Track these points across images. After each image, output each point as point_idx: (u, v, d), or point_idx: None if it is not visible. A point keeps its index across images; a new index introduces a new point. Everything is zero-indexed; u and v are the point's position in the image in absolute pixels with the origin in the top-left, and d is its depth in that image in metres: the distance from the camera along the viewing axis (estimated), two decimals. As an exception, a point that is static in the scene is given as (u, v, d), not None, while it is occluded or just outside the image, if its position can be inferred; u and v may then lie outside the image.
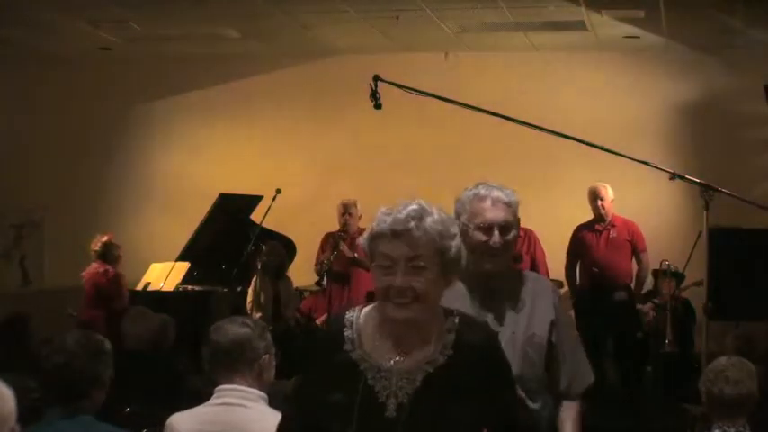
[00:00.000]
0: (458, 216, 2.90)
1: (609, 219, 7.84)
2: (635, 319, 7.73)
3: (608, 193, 7.84)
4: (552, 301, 3.02)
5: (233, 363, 3.08)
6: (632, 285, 7.93)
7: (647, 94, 9.43)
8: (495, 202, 2.92)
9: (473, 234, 2.89)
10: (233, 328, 3.13)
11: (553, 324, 2.98)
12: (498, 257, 2.93)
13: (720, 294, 5.48)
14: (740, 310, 5.85)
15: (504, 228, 2.92)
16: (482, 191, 2.94)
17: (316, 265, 8.25)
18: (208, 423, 3.05)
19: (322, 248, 8.25)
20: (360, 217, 8.17)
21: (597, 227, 7.86)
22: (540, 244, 8.07)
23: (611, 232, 7.80)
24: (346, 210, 8.13)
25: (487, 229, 2.90)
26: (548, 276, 8.04)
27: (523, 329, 2.93)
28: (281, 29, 9.04)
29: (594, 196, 7.85)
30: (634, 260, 7.95)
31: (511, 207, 2.94)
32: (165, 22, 8.83)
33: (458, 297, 2.71)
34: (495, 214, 2.91)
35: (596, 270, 7.88)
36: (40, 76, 10.47)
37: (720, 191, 5.12)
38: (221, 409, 3.07)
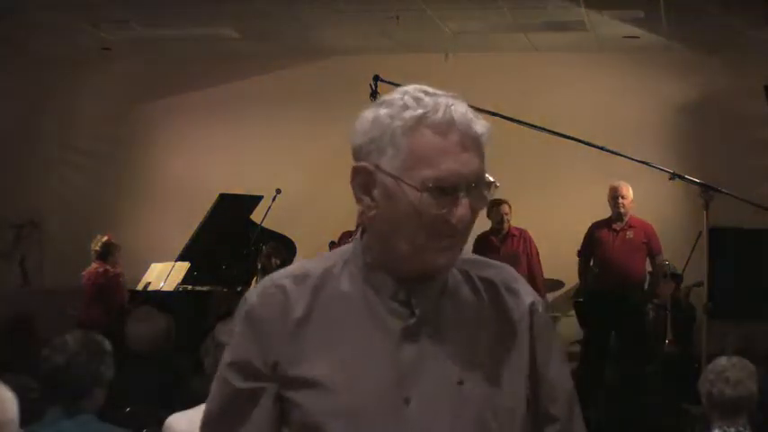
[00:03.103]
0: (365, 153, 1.54)
1: (627, 218, 7.81)
2: (641, 321, 7.72)
3: (629, 192, 7.81)
4: (526, 310, 1.66)
5: None
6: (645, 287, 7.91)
7: (647, 94, 9.43)
8: (465, 135, 1.50)
9: (415, 198, 1.48)
10: None
11: (534, 361, 1.64)
12: (457, 244, 1.55)
13: (720, 294, 5.48)
14: (740, 310, 5.85)
15: (478, 189, 1.52)
16: (441, 108, 1.50)
17: None
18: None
19: (334, 246, 8.25)
20: None
21: (615, 226, 7.83)
22: (534, 243, 8.07)
23: (627, 233, 7.76)
24: None
25: (449, 191, 1.49)
26: (542, 277, 8.05)
27: (483, 376, 1.57)
28: (281, 29, 9.04)
29: (615, 194, 7.81)
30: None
31: (483, 147, 1.54)
32: (165, 22, 8.84)
33: (349, 309, 1.58)
34: (467, 163, 1.50)
35: (596, 270, 7.87)
36: (40, 76, 10.47)
37: (720, 191, 5.12)
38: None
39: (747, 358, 3.82)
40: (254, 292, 1.61)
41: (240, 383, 1.57)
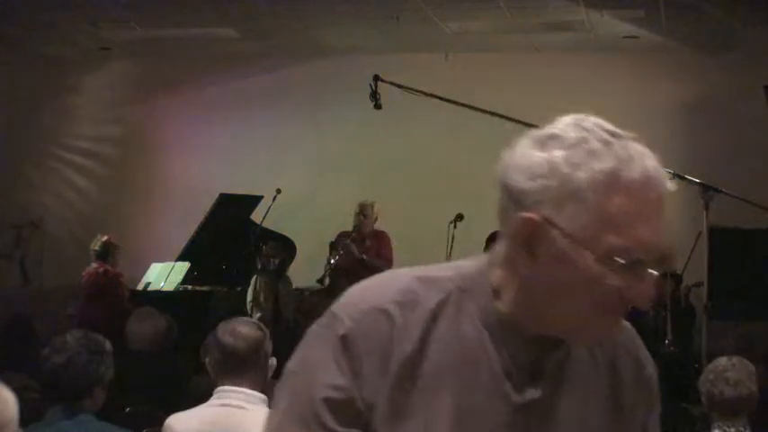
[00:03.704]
0: (532, 200, 1.25)
1: None
2: (631, 319, 7.73)
3: None
4: (647, 386, 1.43)
5: (246, 366, 3.04)
6: None
7: (647, 94, 9.43)
8: (659, 195, 1.30)
9: (593, 268, 1.24)
10: (246, 331, 3.07)
11: None
12: (623, 320, 1.36)
13: (720, 294, 5.49)
14: (740, 310, 5.86)
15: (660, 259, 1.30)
16: (636, 161, 1.26)
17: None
18: (207, 424, 3.04)
19: (333, 247, 8.22)
20: (375, 219, 8.15)
21: None
22: None
23: None
24: (361, 210, 8.10)
25: (635, 263, 1.25)
26: None
27: None
28: (281, 29, 9.04)
29: None
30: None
31: None
32: (165, 22, 8.84)
33: (463, 361, 1.30)
34: (659, 231, 1.30)
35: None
36: (41, 76, 10.47)
37: (720, 191, 5.13)
38: (222, 410, 3.05)
39: (747, 358, 3.82)
40: (348, 311, 1.30)
41: (337, 426, 1.27)
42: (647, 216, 1.26)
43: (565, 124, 1.28)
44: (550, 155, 1.25)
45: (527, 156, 1.27)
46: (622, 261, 1.22)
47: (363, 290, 1.34)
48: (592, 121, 1.28)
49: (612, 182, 1.23)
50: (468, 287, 1.33)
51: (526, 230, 1.25)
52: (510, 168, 1.28)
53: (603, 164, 1.23)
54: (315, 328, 1.33)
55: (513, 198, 1.27)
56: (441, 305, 1.31)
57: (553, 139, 1.26)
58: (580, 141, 1.24)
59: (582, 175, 1.23)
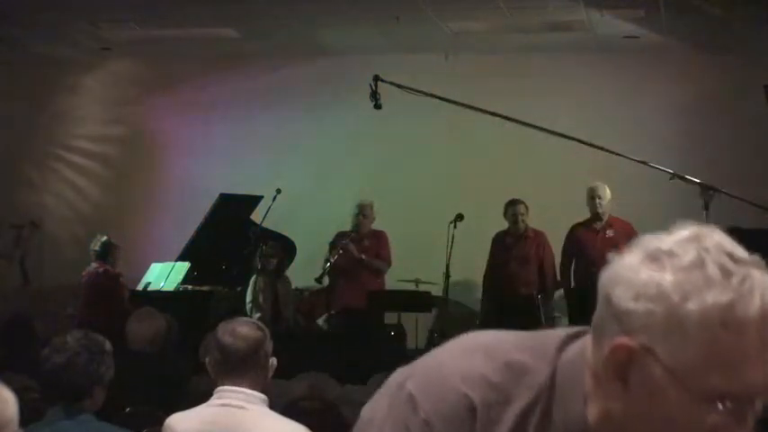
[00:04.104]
0: (633, 324, 1.15)
1: (606, 218, 7.85)
2: None
3: (605, 192, 7.87)
4: None
5: (246, 366, 3.03)
6: None
7: (647, 94, 9.43)
8: None
9: (688, 407, 1.14)
10: (246, 331, 3.07)
11: None
12: None
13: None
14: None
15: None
16: (755, 295, 1.12)
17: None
18: (207, 424, 3.04)
19: (333, 247, 8.23)
20: (373, 219, 8.17)
21: (594, 226, 7.87)
22: (549, 246, 8.04)
23: (607, 232, 7.80)
24: (361, 211, 8.11)
25: (736, 407, 1.14)
26: (555, 280, 8.05)
27: None
28: (281, 29, 9.05)
29: (592, 195, 7.87)
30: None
31: None
32: (165, 22, 8.85)
33: None
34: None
35: (594, 270, 7.87)
36: (41, 76, 10.47)
37: (720, 191, 5.13)
38: (222, 410, 3.05)
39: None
40: (427, 395, 1.25)
41: None
42: (758, 357, 1.11)
43: (682, 239, 1.16)
44: (661, 276, 1.13)
45: (635, 271, 1.15)
46: (723, 405, 1.11)
47: (443, 369, 1.27)
48: (713, 239, 1.15)
49: (725, 318, 1.10)
50: (559, 387, 1.23)
51: (621, 356, 1.15)
52: (614, 281, 1.17)
53: (718, 296, 1.10)
54: (389, 411, 1.27)
55: (612, 314, 1.16)
56: (529, 407, 1.23)
57: (667, 255, 1.14)
58: (696, 264, 1.12)
59: (692, 306, 1.10)
